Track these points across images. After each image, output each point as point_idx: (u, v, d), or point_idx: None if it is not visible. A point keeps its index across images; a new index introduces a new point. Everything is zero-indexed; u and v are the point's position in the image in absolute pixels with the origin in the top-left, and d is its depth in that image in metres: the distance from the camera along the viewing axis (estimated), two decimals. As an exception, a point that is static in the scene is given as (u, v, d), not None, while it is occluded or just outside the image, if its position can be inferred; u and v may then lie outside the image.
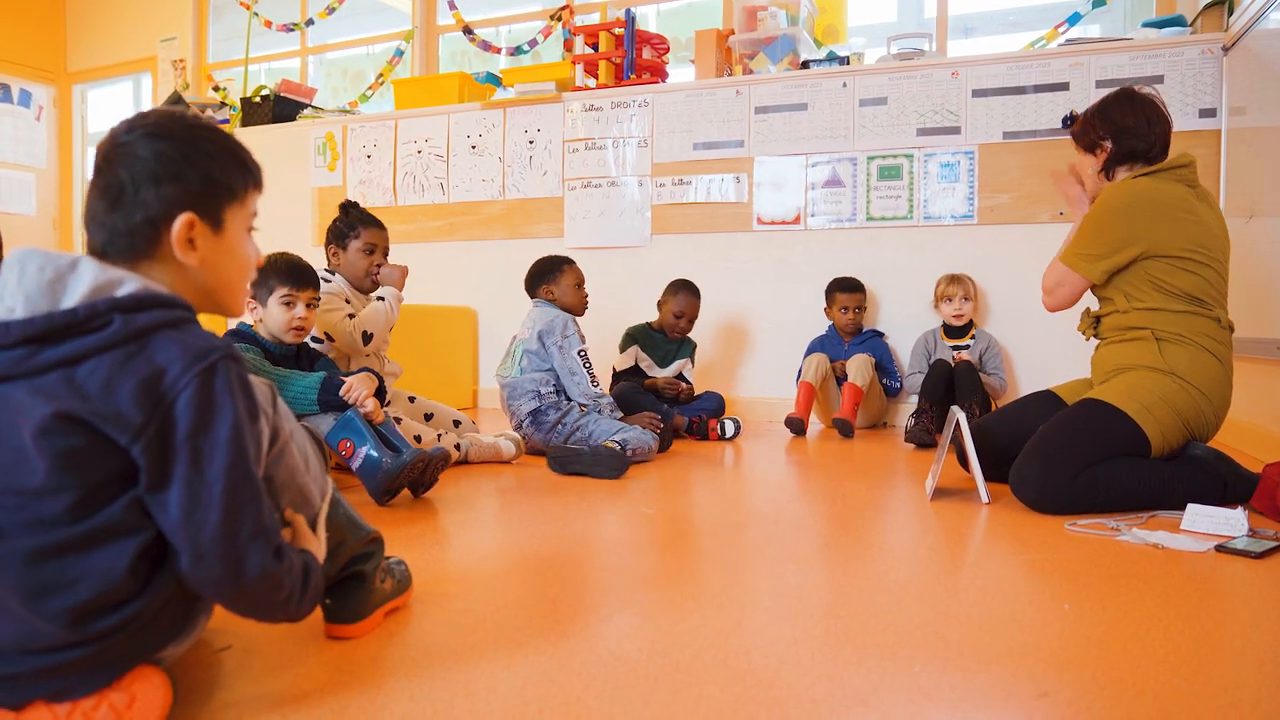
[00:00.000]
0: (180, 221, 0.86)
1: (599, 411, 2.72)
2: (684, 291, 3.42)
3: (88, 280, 0.80)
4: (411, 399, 2.69)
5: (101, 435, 0.77)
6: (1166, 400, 1.89)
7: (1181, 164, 2.02)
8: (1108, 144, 2.07)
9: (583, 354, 2.75)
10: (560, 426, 2.69)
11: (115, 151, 0.86)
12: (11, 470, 0.77)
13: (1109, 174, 2.10)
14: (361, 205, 2.64)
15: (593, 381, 2.73)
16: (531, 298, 2.93)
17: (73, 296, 0.79)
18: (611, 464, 2.30)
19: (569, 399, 2.77)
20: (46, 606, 0.75)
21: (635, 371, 3.42)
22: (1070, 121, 2.19)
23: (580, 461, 2.34)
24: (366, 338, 2.44)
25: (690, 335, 3.53)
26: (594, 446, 2.32)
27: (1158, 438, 1.88)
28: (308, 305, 2.12)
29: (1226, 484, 1.87)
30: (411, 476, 1.95)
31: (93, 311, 0.78)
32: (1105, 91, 3.27)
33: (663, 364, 3.45)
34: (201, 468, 0.79)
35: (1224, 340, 1.96)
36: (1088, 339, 2.18)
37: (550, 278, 2.90)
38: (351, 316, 2.45)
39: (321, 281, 2.43)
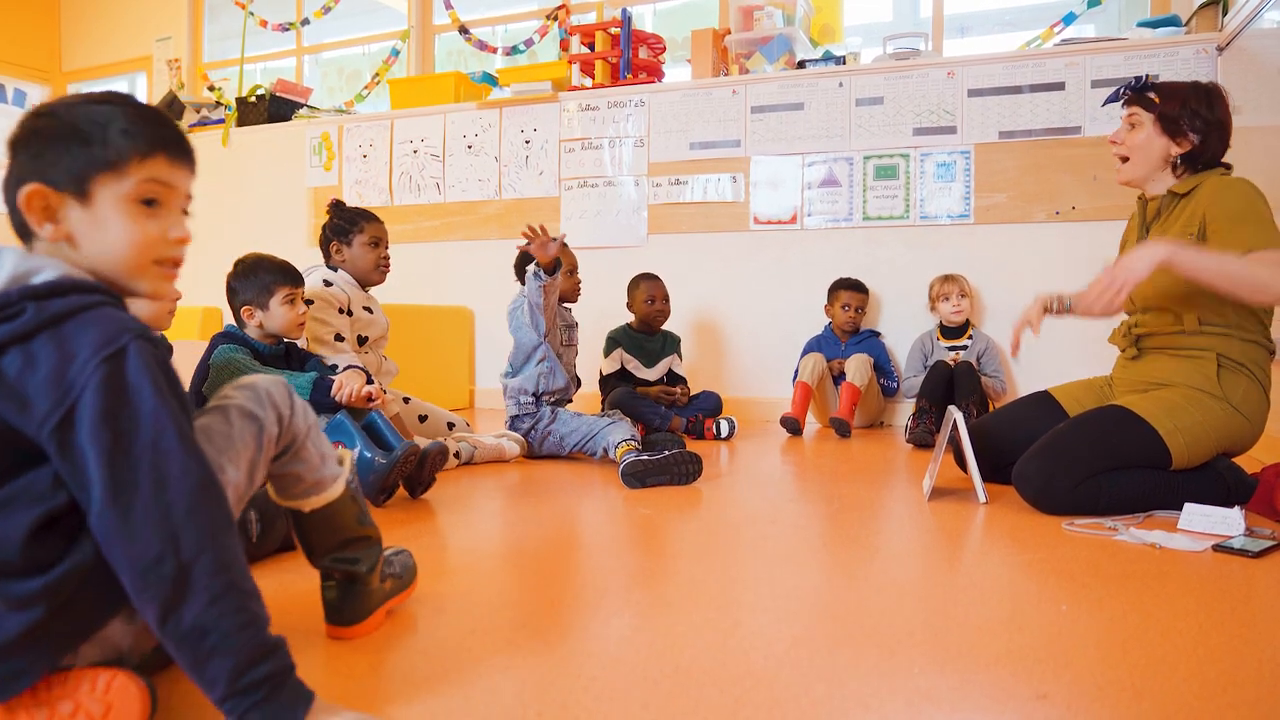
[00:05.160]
0: (23, 193, 0.80)
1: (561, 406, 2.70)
2: (644, 280, 3.41)
3: (7, 269, 0.79)
4: (407, 400, 2.68)
5: (10, 422, 0.76)
6: (1209, 424, 1.83)
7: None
8: (1195, 138, 1.91)
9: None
10: (534, 432, 2.69)
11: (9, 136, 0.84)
12: None
13: (1175, 169, 1.95)
14: (354, 205, 2.64)
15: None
16: None
17: None
18: (689, 468, 2.23)
19: (545, 405, 2.73)
20: None
21: (623, 375, 3.37)
22: (1141, 85, 1.97)
23: (657, 473, 2.22)
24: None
25: (674, 331, 3.51)
26: (669, 453, 2.26)
27: (1181, 457, 1.83)
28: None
29: (1230, 489, 1.85)
30: (405, 471, 1.93)
31: (5, 300, 0.76)
32: (1101, 91, 3.31)
33: (649, 364, 3.39)
34: (124, 447, 0.75)
35: (1268, 369, 1.92)
36: (1122, 349, 2.09)
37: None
38: (340, 338, 2.41)
39: (323, 283, 2.44)
